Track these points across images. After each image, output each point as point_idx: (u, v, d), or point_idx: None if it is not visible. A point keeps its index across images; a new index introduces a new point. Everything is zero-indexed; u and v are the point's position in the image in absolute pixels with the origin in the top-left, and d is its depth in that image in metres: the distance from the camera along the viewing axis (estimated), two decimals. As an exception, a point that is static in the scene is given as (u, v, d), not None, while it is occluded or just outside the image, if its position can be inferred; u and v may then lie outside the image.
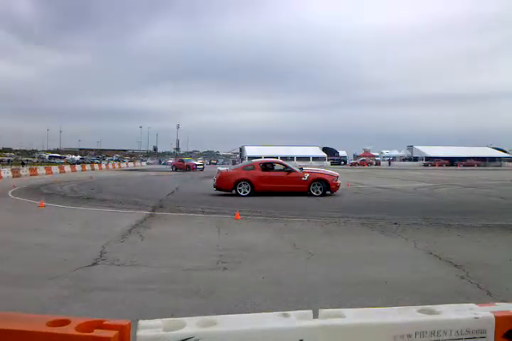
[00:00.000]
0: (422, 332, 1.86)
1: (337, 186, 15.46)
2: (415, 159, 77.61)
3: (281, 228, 8.18)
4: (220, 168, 16.34)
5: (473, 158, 72.28)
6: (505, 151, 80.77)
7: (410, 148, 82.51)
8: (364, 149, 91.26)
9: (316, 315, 1.97)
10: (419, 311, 2.00)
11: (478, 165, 67.29)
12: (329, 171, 16.57)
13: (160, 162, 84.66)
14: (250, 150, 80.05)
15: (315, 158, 79.33)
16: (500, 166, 68.62)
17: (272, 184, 15.11)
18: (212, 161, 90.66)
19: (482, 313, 1.96)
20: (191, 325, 1.53)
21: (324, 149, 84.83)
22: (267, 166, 15.72)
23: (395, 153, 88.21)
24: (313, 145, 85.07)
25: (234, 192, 14.98)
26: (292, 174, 15.32)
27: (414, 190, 17.93)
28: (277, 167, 15.85)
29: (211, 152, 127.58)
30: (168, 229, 8.16)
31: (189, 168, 43.38)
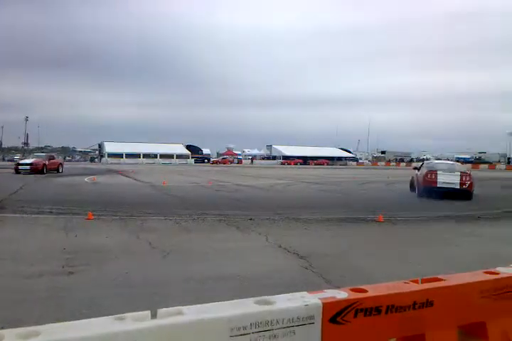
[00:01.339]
0: (256, 323, 1.94)
1: None
2: (274, 158, 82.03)
3: (138, 227, 7.93)
4: None
5: (324, 157, 79.13)
6: (349, 152, 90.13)
7: (269, 147, 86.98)
8: (227, 147, 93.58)
9: (154, 316, 1.94)
10: (256, 303, 2.09)
11: (328, 164, 73.89)
12: None
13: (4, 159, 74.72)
14: (110, 147, 76.37)
15: (179, 156, 78.91)
16: (346, 165, 76.33)
17: None
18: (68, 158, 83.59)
19: (311, 300, 2.12)
20: (10, 337, 1.38)
21: (188, 147, 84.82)
22: None
23: (255, 151, 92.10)
24: (178, 143, 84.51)
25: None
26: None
27: (270, 187, 18.95)
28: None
29: (66, 148, 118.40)
30: (8, 233, 7.32)
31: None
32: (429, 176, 14.70)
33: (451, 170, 15.08)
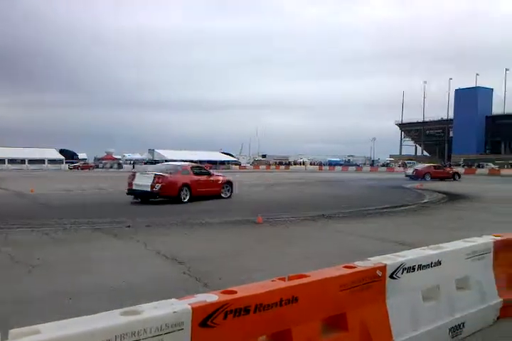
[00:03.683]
0: (122, 335, 1.87)
1: None
2: (156, 162, 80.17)
3: (0, 241, 7.15)
4: None
5: (207, 161, 79.53)
6: (232, 155, 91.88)
7: (152, 151, 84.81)
8: (106, 152, 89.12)
9: (5, 337, 1.76)
10: (122, 314, 2.01)
11: (211, 168, 74.35)
12: None
13: None
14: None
15: (51, 161, 72.96)
16: (229, 168, 77.62)
17: None
18: None
19: (180, 306, 2.10)
20: None
21: (62, 151, 79.05)
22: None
23: (137, 156, 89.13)
24: (50, 147, 78.18)
25: None
26: None
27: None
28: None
29: None
30: None
31: None
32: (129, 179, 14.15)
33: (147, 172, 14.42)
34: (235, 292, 2.31)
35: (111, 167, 73.87)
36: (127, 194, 14.16)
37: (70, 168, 62.96)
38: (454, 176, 32.84)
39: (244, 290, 2.36)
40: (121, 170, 64.03)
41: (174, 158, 76.72)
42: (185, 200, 13.65)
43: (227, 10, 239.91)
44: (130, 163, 79.55)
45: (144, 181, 13.52)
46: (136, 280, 4.87)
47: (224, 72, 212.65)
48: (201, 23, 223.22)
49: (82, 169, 62.39)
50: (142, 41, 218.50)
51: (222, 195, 15.31)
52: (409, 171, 34.65)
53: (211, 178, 15.23)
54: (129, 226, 8.59)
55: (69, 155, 78.40)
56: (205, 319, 2.14)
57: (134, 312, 2.01)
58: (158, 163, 77.10)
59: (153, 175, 13.51)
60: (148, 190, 13.31)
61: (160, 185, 13.24)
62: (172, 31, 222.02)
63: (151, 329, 1.96)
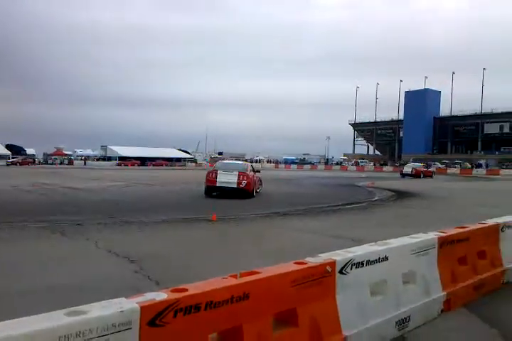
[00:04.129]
0: (66, 336, 1.81)
1: None
2: (109, 159, 78.15)
3: None
4: None
5: (162, 158, 78.29)
6: (188, 152, 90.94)
7: (104, 147, 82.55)
8: (56, 147, 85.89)
9: None
10: (67, 314, 1.95)
11: (167, 165, 73.34)
12: None
13: None
14: None
15: (-3, 156, 69.43)
16: (185, 166, 76.82)
17: None
18: None
19: (128, 306, 2.06)
20: None
21: (8, 146, 75.40)
22: None
23: (88, 152, 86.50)
24: (-4, 142, 74.39)
25: None
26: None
27: (103, 190, 18.01)
28: None
29: None
30: None
31: None
32: (210, 176, 15.10)
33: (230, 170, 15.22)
34: (186, 290, 2.29)
35: (61, 163, 71.33)
36: (208, 191, 15.17)
37: (8, 164, 59.01)
38: (432, 175, 40.45)
39: (196, 287, 2.34)
40: (72, 166, 61.94)
41: (128, 155, 75.24)
42: (254, 195, 15.32)
43: (180, 7, 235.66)
44: (81, 159, 77.10)
45: (228, 178, 14.71)
46: (84, 279, 4.72)
47: (177, 70, 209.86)
48: (154, 19, 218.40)
49: (20, 165, 58.85)
50: (96, 37, 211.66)
51: (257, 191, 16.31)
52: (408, 170, 39.70)
53: (257, 175, 16.61)
54: (79, 224, 8.33)
55: (16, 151, 74.86)
56: (153, 318, 2.11)
57: (80, 312, 1.95)
58: (112, 159, 75.49)
59: (237, 173, 14.85)
60: (235, 186, 14.65)
61: (246, 181, 14.77)
62: (124, 27, 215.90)
63: (98, 330, 1.91)
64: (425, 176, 38.41)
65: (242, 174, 14.87)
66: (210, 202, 13.70)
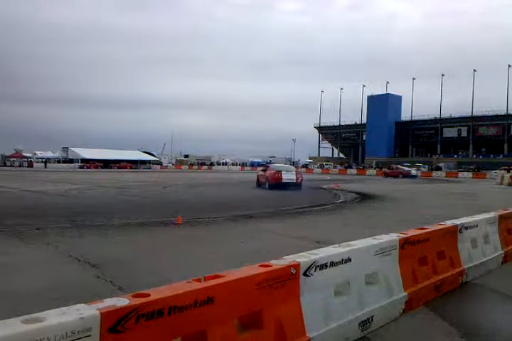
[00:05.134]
0: (21, 345, 1.74)
1: None
2: (71, 161, 76.07)
3: None
4: None
5: (127, 160, 76.85)
6: (153, 155, 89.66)
7: (66, 149, 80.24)
8: (15, 149, 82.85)
9: None
10: (23, 322, 1.87)
11: (131, 168, 72.05)
12: None
13: None
14: None
15: None
16: (150, 168, 75.70)
17: None
18: None
19: (87, 312, 2.00)
20: None
21: (-38, 147, 72.21)
22: None
23: (49, 154, 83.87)
24: None
25: None
26: None
27: (65, 193, 17.51)
28: None
29: None
30: None
31: None
32: (276, 175, 20.83)
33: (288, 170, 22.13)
34: (148, 295, 2.25)
35: (20, 165, 68.89)
36: (274, 186, 20.41)
37: None
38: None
39: (158, 292, 2.30)
40: (32, 168, 59.89)
41: (91, 157, 73.46)
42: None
43: (136, 6, 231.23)
44: (42, 161, 74.70)
45: (289, 176, 21.03)
46: (42, 285, 4.56)
47: (135, 70, 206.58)
48: (108, 19, 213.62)
49: None
50: (55, 36, 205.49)
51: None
52: (413, 172, 47.51)
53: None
54: (38, 229, 8.05)
55: (-30, 152, 71.78)
56: (114, 324, 2.05)
57: (37, 320, 1.88)
58: (74, 161, 73.44)
59: (294, 173, 21.94)
60: (295, 181, 20.93)
61: (301, 178, 21.45)
62: (78, 26, 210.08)
63: (56, 337, 1.84)
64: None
65: (297, 173, 22.17)
66: (177, 205, 13.54)
